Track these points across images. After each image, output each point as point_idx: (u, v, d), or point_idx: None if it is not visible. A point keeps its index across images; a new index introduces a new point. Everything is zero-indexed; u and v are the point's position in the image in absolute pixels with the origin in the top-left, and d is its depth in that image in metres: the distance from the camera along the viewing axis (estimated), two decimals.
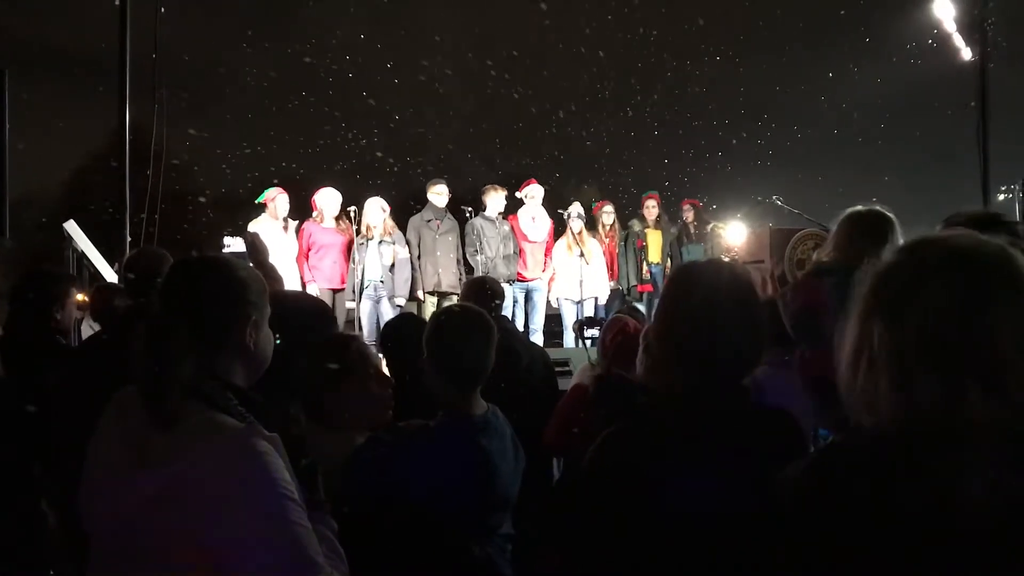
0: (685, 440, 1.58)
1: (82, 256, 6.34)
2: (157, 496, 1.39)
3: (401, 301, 7.76)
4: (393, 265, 7.78)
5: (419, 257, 7.98)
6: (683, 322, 1.66)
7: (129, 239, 6.84)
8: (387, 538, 2.09)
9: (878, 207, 3.08)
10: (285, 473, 1.47)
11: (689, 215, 8.94)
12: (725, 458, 1.54)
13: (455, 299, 7.18)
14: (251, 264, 2.38)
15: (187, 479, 1.40)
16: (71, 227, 6.31)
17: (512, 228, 8.34)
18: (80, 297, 5.79)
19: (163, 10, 7.13)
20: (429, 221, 8.07)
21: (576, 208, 8.47)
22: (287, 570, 1.42)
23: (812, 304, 2.76)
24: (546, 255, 8.49)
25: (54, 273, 3.97)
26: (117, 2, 6.81)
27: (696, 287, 1.68)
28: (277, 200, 7.74)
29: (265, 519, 1.42)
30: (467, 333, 2.33)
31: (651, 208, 8.83)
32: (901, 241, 2.90)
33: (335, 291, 7.74)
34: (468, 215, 8.25)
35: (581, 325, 4.80)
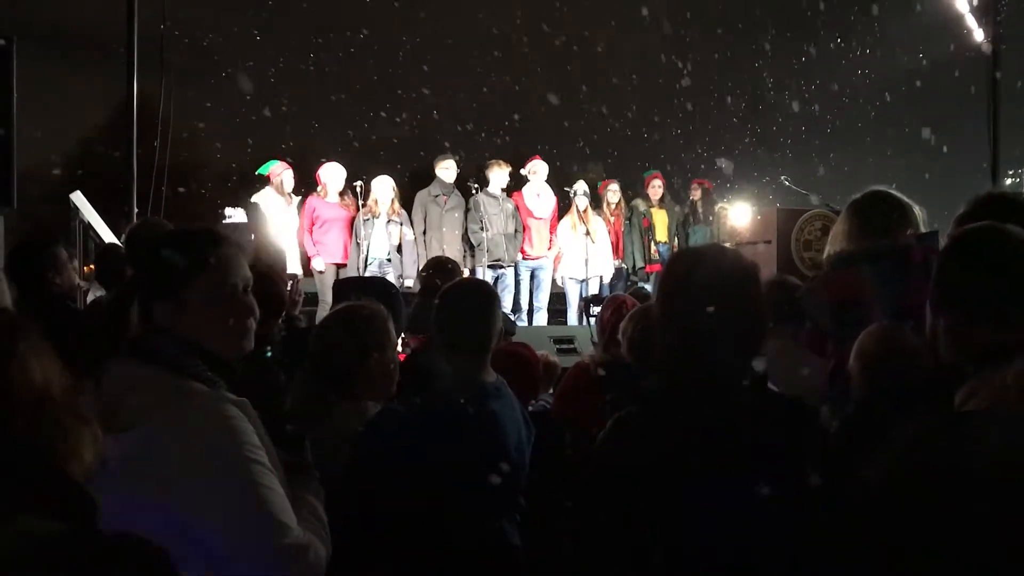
0: (692, 428, 1.56)
1: (88, 227, 6.35)
2: (122, 460, 1.39)
3: (411, 283, 7.70)
4: (400, 247, 7.78)
5: (424, 232, 7.96)
6: (682, 307, 1.65)
7: (136, 210, 6.84)
8: (399, 505, 2.11)
9: (881, 187, 2.93)
10: (253, 437, 1.47)
11: (696, 194, 8.84)
12: (733, 447, 1.53)
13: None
14: (251, 234, 2.38)
15: (152, 443, 1.40)
16: (77, 198, 6.31)
17: (517, 206, 8.28)
18: (85, 268, 5.83)
19: None
20: (436, 196, 8.03)
21: (581, 186, 8.39)
22: (254, 532, 1.42)
23: (854, 297, 2.65)
24: (551, 232, 8.44)
25: (40, 239, 3.99)
26: None
27: (693, 271, 1.66)
28: (283, 176, 7.69)
29: (230, 482, 1.42)
30: (469, 300, 2.39)
31: (656, 188, 8.74)
32: (920, 219, 2.80)
33: (339, 266, 7.72)
34: (474, 191, 8.17)
35: (587, 303, 4.80)
